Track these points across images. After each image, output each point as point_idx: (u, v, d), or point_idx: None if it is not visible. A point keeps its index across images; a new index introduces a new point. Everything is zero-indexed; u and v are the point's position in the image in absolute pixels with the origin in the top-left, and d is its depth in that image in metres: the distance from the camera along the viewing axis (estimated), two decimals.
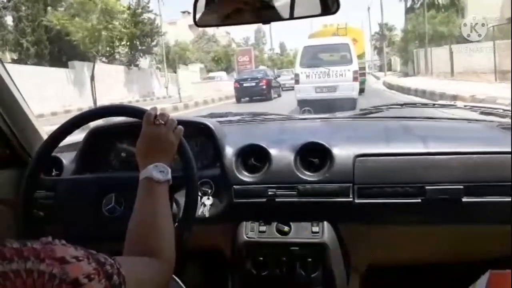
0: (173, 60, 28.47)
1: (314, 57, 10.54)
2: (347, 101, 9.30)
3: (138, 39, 22.52)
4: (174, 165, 0.91)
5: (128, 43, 22.64)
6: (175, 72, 27.61)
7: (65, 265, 0.50)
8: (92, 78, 15.37)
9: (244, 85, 16.73)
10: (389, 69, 33.46)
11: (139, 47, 23.03)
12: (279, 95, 17.93)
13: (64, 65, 17.83)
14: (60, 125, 1.04)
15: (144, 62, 25.22)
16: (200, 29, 29.05)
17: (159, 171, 0.86)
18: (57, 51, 16.63)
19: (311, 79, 10.13)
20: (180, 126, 0.94)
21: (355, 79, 10.05)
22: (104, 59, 21.60)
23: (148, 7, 22.82)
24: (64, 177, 1.30)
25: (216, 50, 34.86)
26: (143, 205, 0.84)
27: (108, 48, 21.48)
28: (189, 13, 39.40)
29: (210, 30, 34.89)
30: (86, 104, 15.39)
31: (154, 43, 23.76)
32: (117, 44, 22.01)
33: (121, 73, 21.82)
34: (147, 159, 0.88)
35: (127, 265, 0.61)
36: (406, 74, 25.01)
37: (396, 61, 36.00)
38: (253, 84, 16.57)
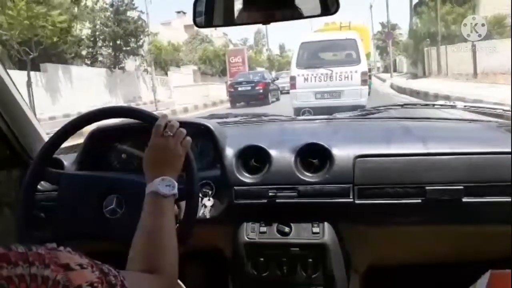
0: (164, 62, 28.13)
1: (313, 56, 9.38)
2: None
3: (121, 39, 22.31)
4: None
5: (111, 43, 22.39)
6: (166, 74, 27.38)
7: (69, 272, 0.53)
8: (29, 84, 13.38)
9: (239, 89, 16.64)
10: (394, 70, 33.05)
11: (123, 48, 22.81)
12: (278, 99, 17.88)
13: (36, 67, 16.49)
14: (64, 125, 1.12)
15: (132, 64, 24.73)
16: (195, 29, 28.84)
17: (165, 185, 0.93)
18: (27, 52, 15.50)
19: (310, 82, 8.98)
20: (188, 138, 1.01)
21: (363, 82, 8.76)
22: (87, 60, 21.29)
23: (133, 4, 22.54)
24: (68, 172, 1.36)
25: (205, 49, 34.39)
26: (148, 220, 0.91)
27: (90, 49, 21.20)
28: (184, 13, 39.01)
29: (205, 30, 34.52)
30: (60, 112, 15.01)
31: (140, 43, 23.51)
32: (99, 44, 21.76)
33: (102, 76, 21.21)
34: (154, 172, 0.96)
35: (131, 279, 0.66)
36: (415, 76, 24.46)
37: (402, 61, 35.64)
38: (249, 88, 16.49)
